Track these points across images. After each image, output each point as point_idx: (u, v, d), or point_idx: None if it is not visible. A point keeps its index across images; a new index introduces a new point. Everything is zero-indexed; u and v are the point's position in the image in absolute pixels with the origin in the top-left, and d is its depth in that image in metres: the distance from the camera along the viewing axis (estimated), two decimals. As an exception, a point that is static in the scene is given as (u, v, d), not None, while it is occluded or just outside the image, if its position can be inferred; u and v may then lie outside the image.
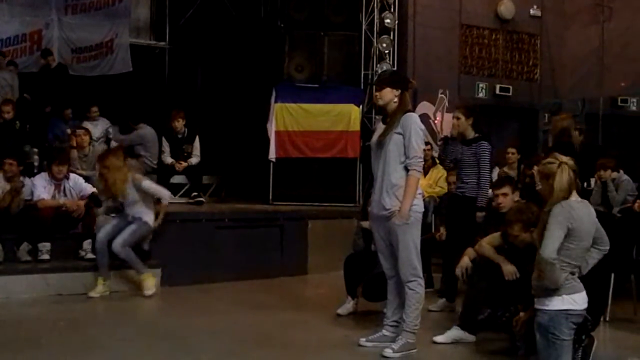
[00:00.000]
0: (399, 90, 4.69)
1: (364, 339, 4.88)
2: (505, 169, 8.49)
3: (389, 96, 4.68)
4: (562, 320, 3.68)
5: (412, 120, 4.62)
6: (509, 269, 4.78)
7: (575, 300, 3.71)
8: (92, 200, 6.75)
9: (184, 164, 8.92)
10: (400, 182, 4.57)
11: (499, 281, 4.79)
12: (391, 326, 4.85)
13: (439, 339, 5.00)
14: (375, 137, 4.80)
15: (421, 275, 4.68)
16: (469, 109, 6.24)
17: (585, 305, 3.76)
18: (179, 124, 9.05)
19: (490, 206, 5.80)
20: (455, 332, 5.02)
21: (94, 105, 10.01)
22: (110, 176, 6.48)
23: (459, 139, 6.16)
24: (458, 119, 6.09)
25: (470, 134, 6.07)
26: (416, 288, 4.63)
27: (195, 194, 8.79)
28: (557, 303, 3.68)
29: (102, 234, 6.51)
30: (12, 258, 6.62)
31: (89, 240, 6.76)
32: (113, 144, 9.04)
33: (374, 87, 4.82)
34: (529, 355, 4.32)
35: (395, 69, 5.02)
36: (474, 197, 5.94)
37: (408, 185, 4.55)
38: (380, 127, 4.83)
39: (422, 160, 4.62)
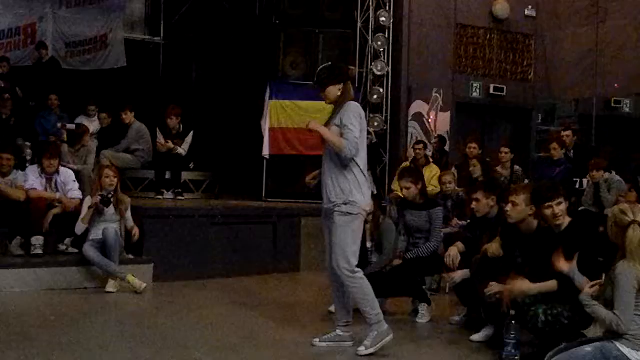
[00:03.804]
0: (341, 84, 4.61)
1: (317, 339, 4.77)
2: (499, 168, 8.51)
3: (333, 92, 4.60)
4: None
5: (349, 108, 4.52)
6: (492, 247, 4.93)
7: None
8: (102, 202, 6.62)
9: (170, 144, 8.92)
10: (346, 174, 4.48)
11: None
12: (343, 326, 4.77)
13: (475, 337, 5.01)
14: None
15: (355, 269, 4.50)
16: (416, 175, 6.03)
17: None
18: (172, 122, 9.02)
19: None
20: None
21: (91, 104, 9.93)
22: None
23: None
24: (408, 189, 5.85)
25: (420, 199, 5.89)
26: (355, 284, 4.49)
27: (177, 190, 8.88)
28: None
29: (91, 247, 6.50)
30: (4, 252, 6.61)
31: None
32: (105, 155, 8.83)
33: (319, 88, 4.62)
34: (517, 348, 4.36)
35: (330, 63, 4.88)
36: (426, 256, 5.79)
37: (337, 137, 4.42)
38: None
39: (355, 143, 4.41)
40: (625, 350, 3.66)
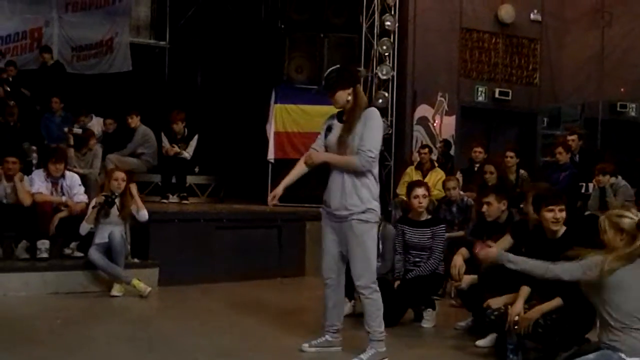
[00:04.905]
0: (351, 87, 4.42)
1: (306, 344, 4.71)
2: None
3: (343, 97, 4.42)
4: None
5: (373, 118, 4.36)
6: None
7: None
8: (106, 202, 6.63)
9: (176, 149, 8.93)
10: (364, 182, 4.36)
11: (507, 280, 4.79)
12: (333, 332, 4.71)
13: (480, 343, 4.98)
14: (334, 137, 4.46)
15: (376, 281, 4.43)
16: (428, 187, 5.94)
17: None
18: (178, 127, 9.06)
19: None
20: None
21: (82, 114, 9.69)
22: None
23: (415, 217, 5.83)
24: (425, 197, 5.73)
25: (425, 214, 5.81)
26: (373, 295, 4.39)
27: (183, 194, 8.89)
28: None
29: (96, 252, 6.49)
30: (10, 256, 6.63)
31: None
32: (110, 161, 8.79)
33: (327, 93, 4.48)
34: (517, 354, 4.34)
35: (338, 66, 4.68)
36: (428, 275, 5.70)
37: (345, 158, 4.34)
38: (337, 126, 4.50)
39: (373, 159, 4.30)
40: (625, 357, 3.66)
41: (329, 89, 4.48)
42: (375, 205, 4.40)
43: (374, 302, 4.42)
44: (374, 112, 4.44)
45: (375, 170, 4.45)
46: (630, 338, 3.63)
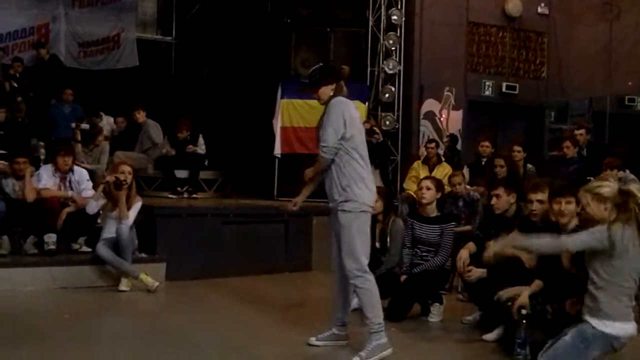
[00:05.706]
0: (334, 84, 4.54)
1: (313, 338, 4.74)
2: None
3: (326, 93, 4.54)
4: (606, 344, 3.68)
5: (334, 106, 4.45)
6: (528, 257, 4.74)
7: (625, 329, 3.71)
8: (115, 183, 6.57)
9: (193, 148, 9.02)
10: (346, 172, 4.41)
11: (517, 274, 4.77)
12: (340, 325, 4.74)
13: (488, 337, 4.97)
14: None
15: (367, 269, 4.41)
16: (439, 183, 5.92)
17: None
18: (183, 135, 9.11)
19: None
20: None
21: (93, 116, 9.69)
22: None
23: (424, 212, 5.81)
24: (429, 189, 5.73)
25: (434, 211, 5.79)
26: (364, 284, 4.38)
27: (192, 189, 8.94)
28: (611, 329, 3.67)
29: (104, 247, 6.51)
30: (19, 251, 6.65)
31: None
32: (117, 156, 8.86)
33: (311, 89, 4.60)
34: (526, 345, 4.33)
35: (321, 64, 4.79)
36: (434, 270, 5.68)
37: (312, 166, 4.60)
38: None
39: (327, 147, 4.39)
40: (599, 326, 3.66)
41: (312, 86, 4.60)
42: (359, 193, 4.41)
43: (366, 292, 4.40)
44: (335, 101, 4.50)
45: (361, 161, 4.47)
46: (615, 301, 3.64)
